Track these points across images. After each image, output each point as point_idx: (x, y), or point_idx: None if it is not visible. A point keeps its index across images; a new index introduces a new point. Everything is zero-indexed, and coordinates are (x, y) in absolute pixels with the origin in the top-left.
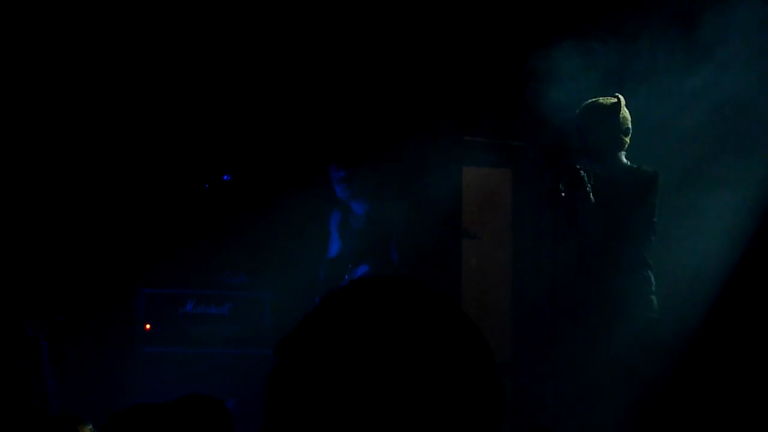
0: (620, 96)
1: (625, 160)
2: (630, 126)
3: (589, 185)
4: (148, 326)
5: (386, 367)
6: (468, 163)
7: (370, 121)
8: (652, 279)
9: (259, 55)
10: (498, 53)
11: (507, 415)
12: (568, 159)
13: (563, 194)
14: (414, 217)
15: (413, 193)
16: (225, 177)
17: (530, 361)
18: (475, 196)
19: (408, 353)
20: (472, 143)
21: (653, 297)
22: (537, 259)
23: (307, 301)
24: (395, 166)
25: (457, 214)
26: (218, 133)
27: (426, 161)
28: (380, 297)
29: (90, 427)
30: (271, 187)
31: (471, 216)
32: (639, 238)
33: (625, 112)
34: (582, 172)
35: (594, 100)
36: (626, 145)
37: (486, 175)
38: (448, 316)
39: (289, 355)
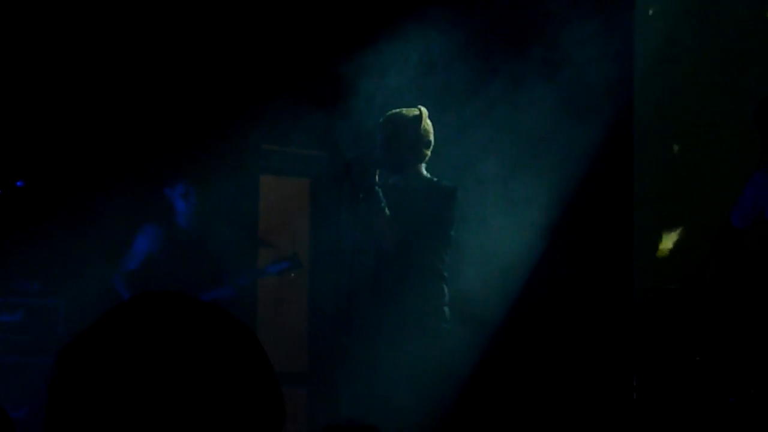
0: (422, 108)
1: (425, 172)
2: (432, 139)
3: (383, 200)
4: None
5: (165, 375)
6: (265, 172)
7: (162, 127)
8: (446, 290)
9: (52, 56)
10: (297, 60)
11: (303, 424)
12: (365, 170)
13: (361, 205)
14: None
15: (210, 202)
16: (18, 183)
17: (327, 371)
18: (272, 206)
19: (186, 363)
20: (270, 152)
21: (446, 308)
22: (334, 269)
23: (102, 310)
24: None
25: (254, 224)
26: (10, 136)
27: (222, 170)
28: (161, 310)
29: None
30: (66, 193)
31: (268, 225)
32: (433, 251)
33: (427, 124)
34: (377, 186)
35: (396, 111)
36: (427, 158)
37: (284, 184)
38: (226, 326)
39: (71, 363)
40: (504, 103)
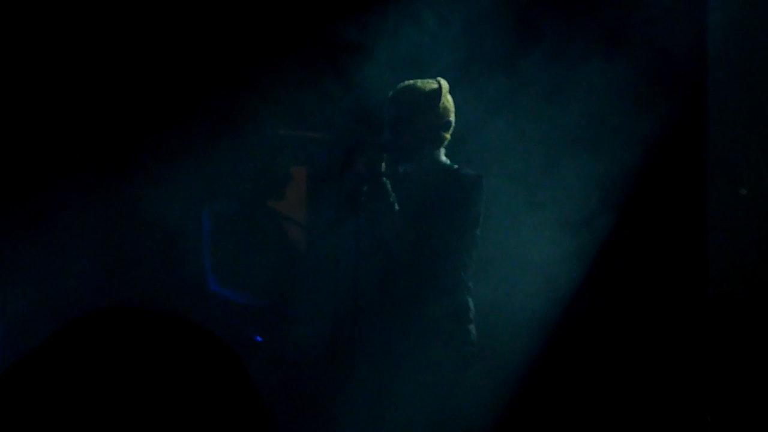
0: (442, 81)
1: (444, 159)
2: (452, 119)
3: (392, 193)
4: None
5: (122, 402)
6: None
7: (129, 108)
8: (471, 305)
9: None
10: (290, 24)
11: None
12: (370, 157)
13: (365, 200)
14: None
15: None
16: None
17: (326, 400)
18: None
19: (146, 388)
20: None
21: (471, 326)
22: (335, 275)
23: (46, 327)
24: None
25: None
26: None
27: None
28: (119, 327)
29: None
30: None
31: None
32: (457, 255)
33: (446, 101)
34: (384, 178)
35: (409, 83)
36: (446, 142)
37: None
38: (196, 344)
39: (12, 391)
40: (544, 79)
